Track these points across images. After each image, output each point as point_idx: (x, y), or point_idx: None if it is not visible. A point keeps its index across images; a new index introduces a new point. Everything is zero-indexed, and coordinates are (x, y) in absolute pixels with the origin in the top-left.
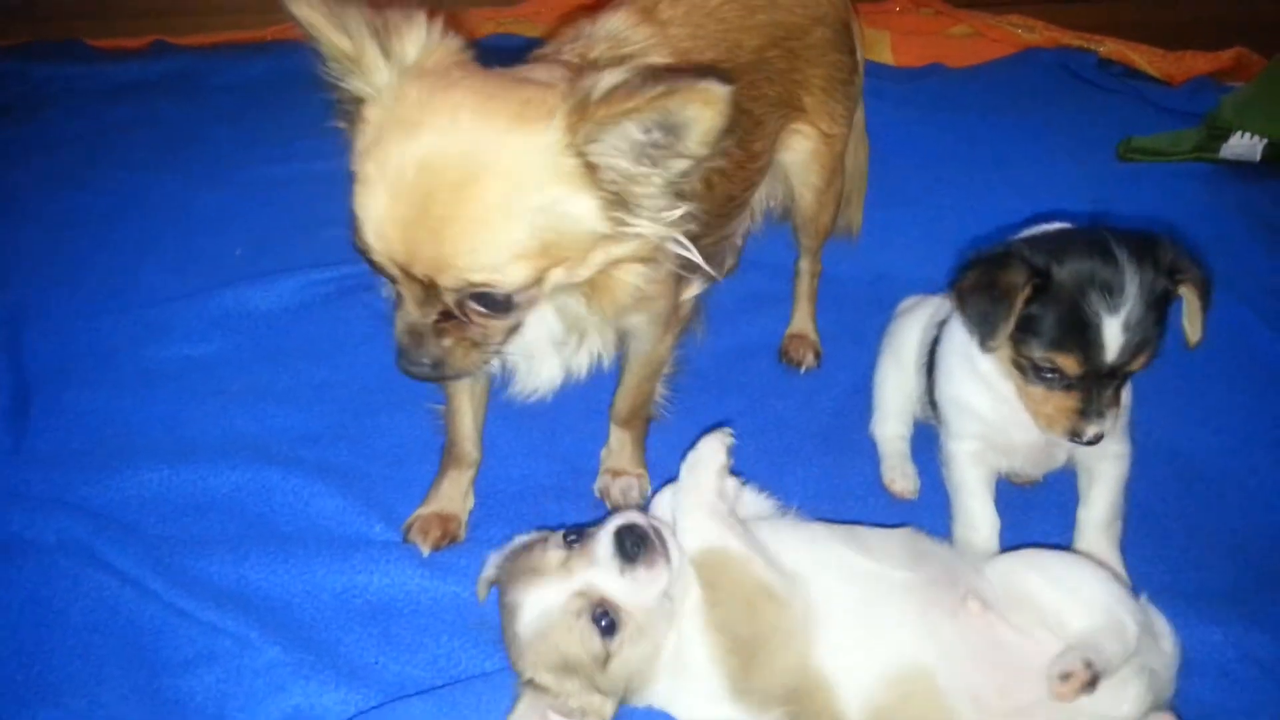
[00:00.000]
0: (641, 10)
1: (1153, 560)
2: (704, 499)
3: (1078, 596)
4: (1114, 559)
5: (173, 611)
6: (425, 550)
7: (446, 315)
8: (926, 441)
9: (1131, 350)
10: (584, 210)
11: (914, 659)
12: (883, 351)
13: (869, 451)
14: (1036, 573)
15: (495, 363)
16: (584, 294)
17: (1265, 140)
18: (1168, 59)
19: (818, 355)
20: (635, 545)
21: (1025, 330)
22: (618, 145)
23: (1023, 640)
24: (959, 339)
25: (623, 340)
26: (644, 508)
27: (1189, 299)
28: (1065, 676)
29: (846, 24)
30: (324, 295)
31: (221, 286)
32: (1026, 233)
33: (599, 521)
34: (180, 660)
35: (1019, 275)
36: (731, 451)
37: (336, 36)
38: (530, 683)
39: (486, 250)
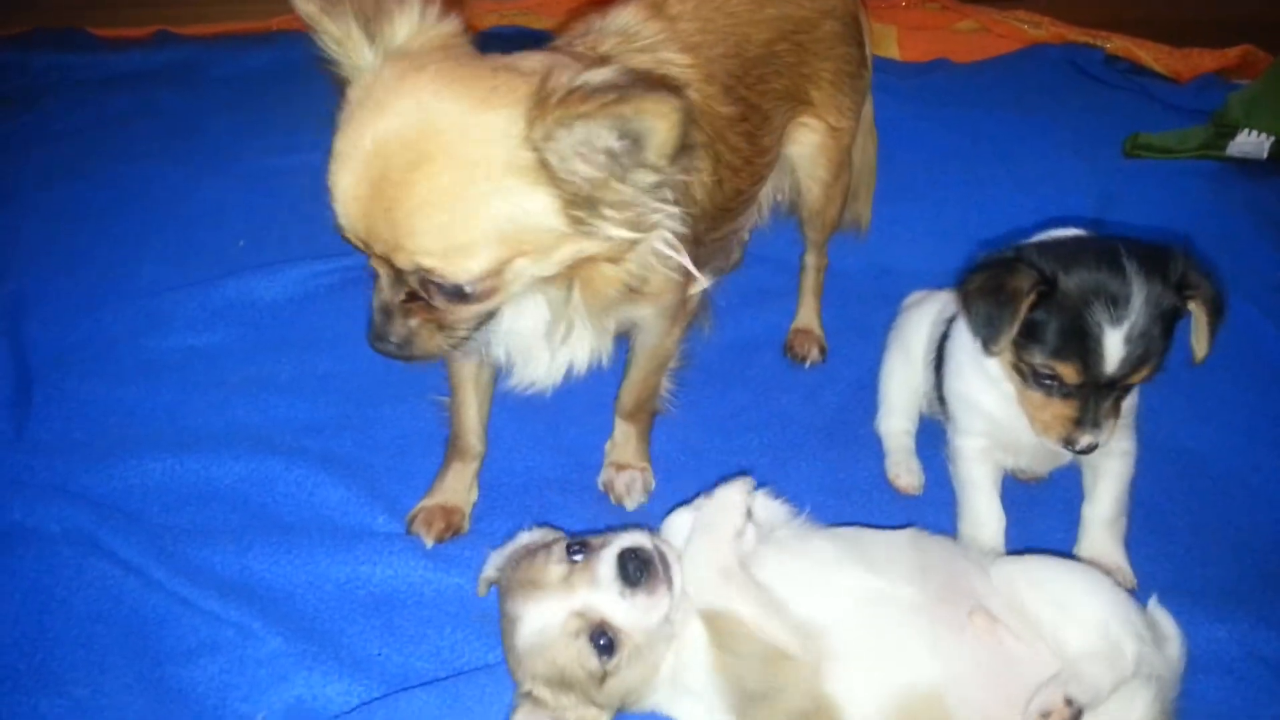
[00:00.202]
0: (651, 5)
1: (1157, 558)
2: (718, 558)
3: (1074, 617)
4: (1119, 556)
5: (175, 601)
6: (429, 542)
7: (414, 296)
8: (931, 437)
9: (1132, 363)
10: (539, 206)
11: (923, 680)
12: (889, 347)
13: (874, 447)
14: (1035, 590)
15: (480, 349)
16: (568, 287)
17: (1272, 138)
18: (1174, 56)
19: (823, 350)
20: (638, 570)
21: (1028, 336)
22: (576, 148)
23: (1030, 651)
24: (969, 337)
25: (629, 333)
26: (652, 527)
27: (1197, 315)
28: (1045, 715)
29: (855, 17)
30: (327, 286)
31: (224, 277)
32: (1038, 238)
33: (604, 533)
34: (183, 650)
35: (1025, 281)
36: (752, 498)
37: (329, 22)
38: (528, 695)
39: (434, 235)
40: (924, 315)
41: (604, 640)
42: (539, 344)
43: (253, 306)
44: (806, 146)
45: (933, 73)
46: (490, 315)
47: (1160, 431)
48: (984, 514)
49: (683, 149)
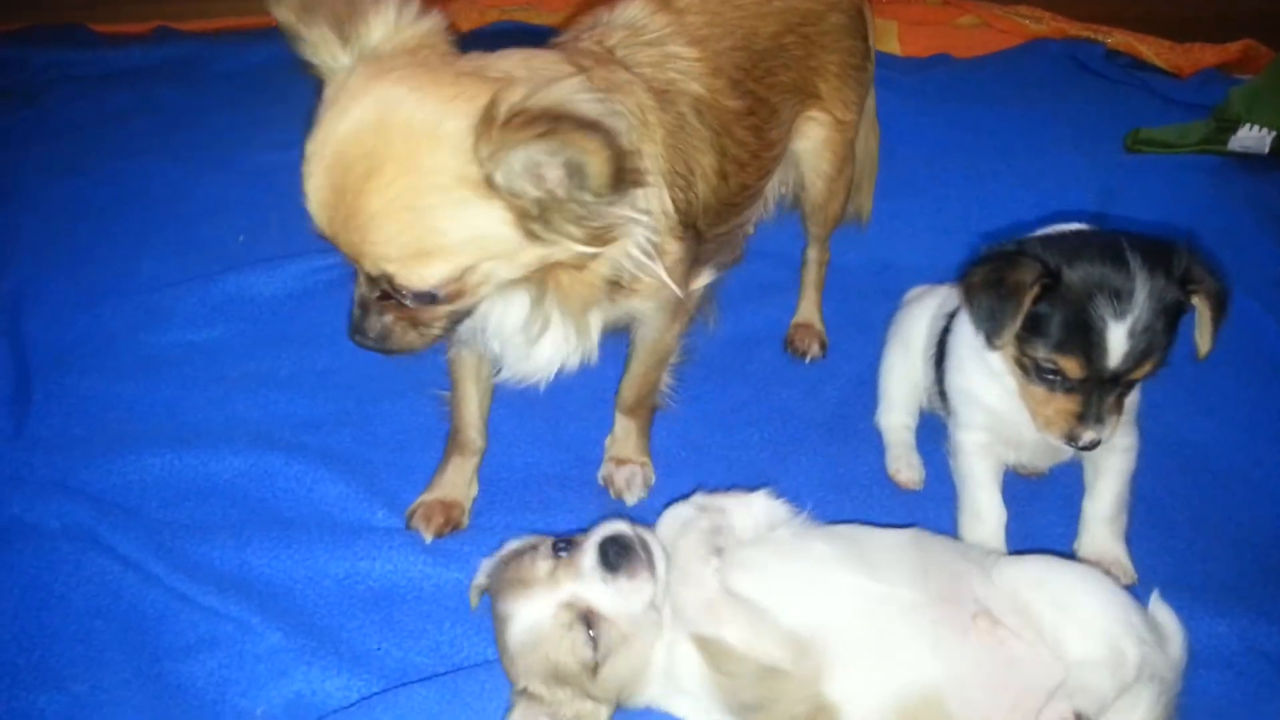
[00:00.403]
0: None
1: (1158, 553)
2: (698, 592)
3: (1078, 623)
4: (1119, 551)
5: (174, 596)
6: (428, 537)
7: (387, 294)
8: (932, 432)
9: (1135, 358)
10: (492, 218)
11: (924, 684)
12: (889, 341)
13: (874, 442)
14: (1037, 592)
15: (472, 342)
16: (544, 286)
17: (1274, 132)
18: (1176, 51)
19: (823, 345)
20: (618, 555)
21: (1031, 330)
22: (520, 169)
23: (1033, 653)
24: (971, 331)
25: (630, 328)
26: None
27: (1201, 310)
28: None
29: (860, 11)
30: (326, 281)
31: (223, 272)
32: (1042, 231)
33: (589, 530)
34: (182, 645)
35: (1028, 274)
36: (710, 516)
37: (306, 29)
38: (524, 692)
39: (391, 244)
40: (924, 310)
41: (592, 630)
42: (521, 339)
43: (252, 302)
44: (812, 140)
45: (933, 68)
46: (464, 314)
47: (1161, 426)
48: (985, 509)
49: (625, 181)
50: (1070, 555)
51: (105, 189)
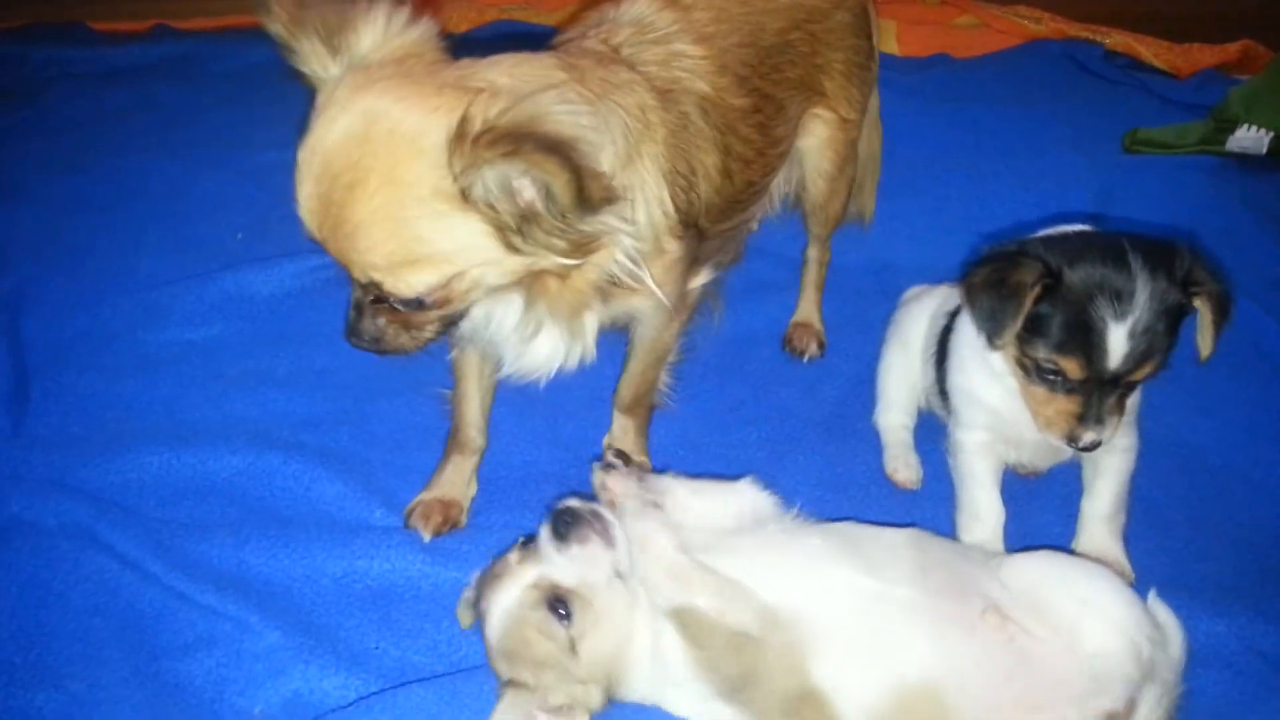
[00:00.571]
0: None
1: (1156, 553)
2: (660, 562)
3: (1099, 615)
4: (1117, 551)
5: (173, 595)
6: (426, 536)
7: (379, 298)
8: (930, 432)
9: (1136, 359)
10: (470, 230)
11: (920, 676)
12: (888, 341)
13: (872, 441)
14: (1058, 584)
15: (471, 341)
16: (532, 292)
17: (1272, 133)
18: (1174, 51)
19: (822, 345)
20: (566, 525)
21: (1032, 330)
22: (494, 185)
23: (1042, 648)
24: (973, 331)
25: (629, 327)
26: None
27: (1203, 313)
28: (1111, 716)
29: (864, 9)
30: (325, 280)
31: (222, 271)
32: (1044, 232)
33: None
34: (180, 644)
35: (1030, 274)
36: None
37: (298, 39)
38: (509, 683)
39: (375, 253)
40: (923, 310)
41: (563, 608)
42: (516, 339)
43: (251, 301)
44: (815, 138)
45: (932, 68)
46: (455, 318)
47: (1159, 426)
48: (984, 508)
49: (592, 201)
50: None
51: (104, 187)
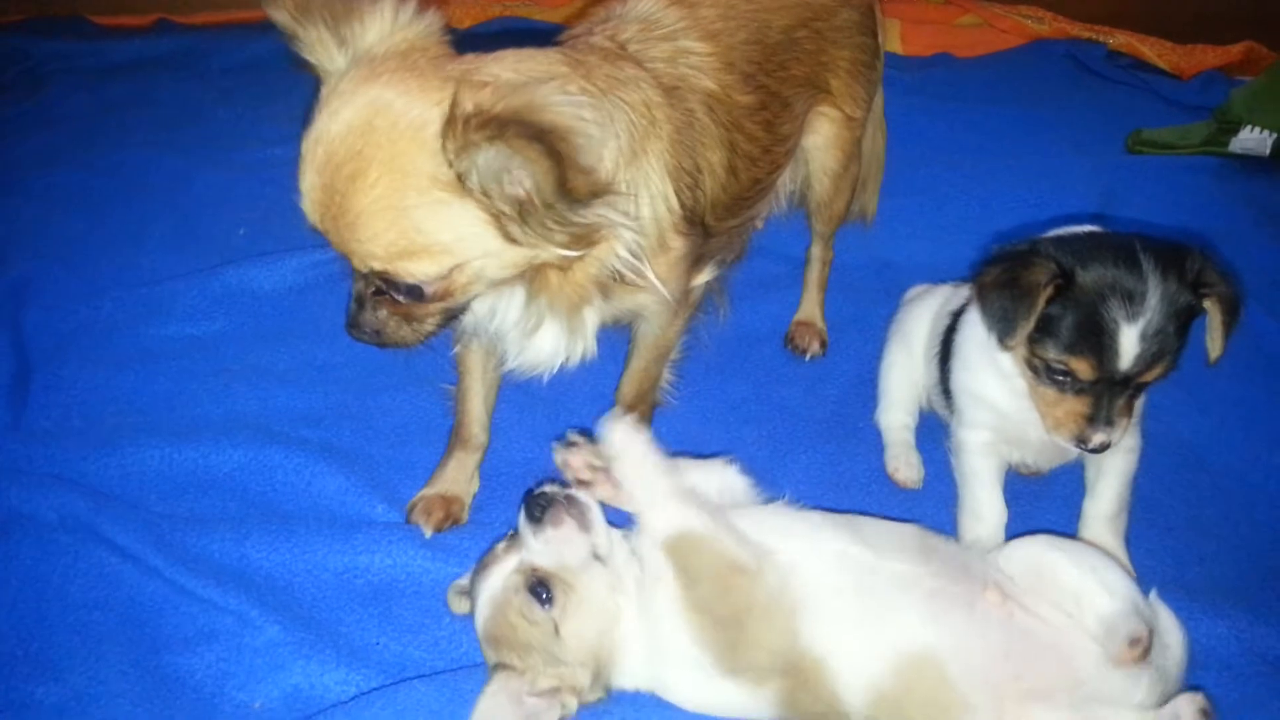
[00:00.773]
0: None
1: (1157, 554)
2: (657, 485)
3: (1101, 580)
4: (1119, 551)
5: (173, 589)
6: (428, 532)
7: (381, 290)
8: (931, 431)
9: (1147, 360)
10: (468, 220)
11: (920, 647)
12: (890, 340)
13: (873, 440)
14: (1060, 553)
15: (474, 335)
16: (534, 287)
17: (1275, 134)
18: (1177, 52)
19: (824, 343)
20: (540, 509)
21: (1042, 330)
22: (488, 171)
23: (1043, 627)
24: (979, 331)
25: (631, 323)
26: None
27: (1213, 314)
28: (1135, 640)
29: (870, 8)
30: (327, 275)
31: (224, 265)
32: (1055, 232)
33: None
34: (180, 638)
35: (1042, 274)
36: (639, 428)
37: (303, 30)
38: (498, 666)
39: (376, 243)
40: (926, 309)
41: (544, 591)
42: (517, 334)
43: (253, 296)
44: (820, 136)
45: (935, 67)
46: (457, 311)
47: (1160, 426)
48: (985, 507)
49: (575, 191)
50: None
51: (105, 181)
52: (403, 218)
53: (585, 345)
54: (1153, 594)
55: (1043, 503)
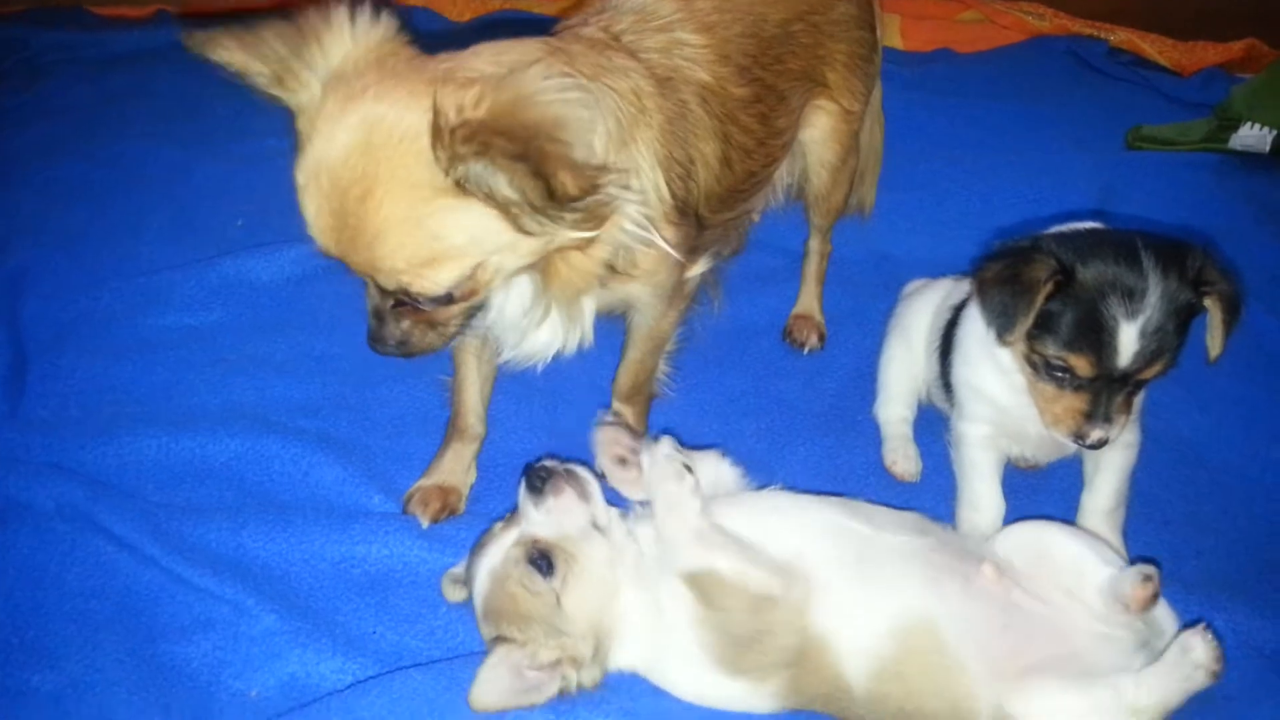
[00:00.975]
0: None
1: (1154, 548)
2: (687, 524)
3: (1099, 554)
4: (1117, 545)
5: (170, 578)
6: (425, 522)
7: (401, 301)
8: (929, 424)
9: (1146, 358)
10: (478, 219)
11: (917, 615)
12: (890, 333)
13: (871, 434)
14: (1055, 530)
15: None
16: (542, 276)
17: (1275, 131)
18: (1178, 49)
19: (822, 337)
20: (541, 480)
21: (1041, 327)
22: (480, 180)
23: (1040, 605)
24: (980, 325)
25: (626, 315)
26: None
27: (1213, 313)
28: (1147, 578)
29: (868, 1)
30: (325, 267)
31: (222, 256)
32: (1056, 229)
33: None
34: (177, 626)
35: (1042, 270)
36: (682, 452)
37: (259, 65)
38: (498, 638)
39: (398, 258)
40: (926, 303)
41: (544, 562)
42: (524, 323)
43: (250, 286)
44: (818, 130)
45: (935, 63)
46: (479, 308)
47: (1159, 422)
48: (984, 500)
49: (575, 195)
50: None
51: (104, 172)
52: (418, 229)
53: (583, 333)
54: None
55: (1040, 496)
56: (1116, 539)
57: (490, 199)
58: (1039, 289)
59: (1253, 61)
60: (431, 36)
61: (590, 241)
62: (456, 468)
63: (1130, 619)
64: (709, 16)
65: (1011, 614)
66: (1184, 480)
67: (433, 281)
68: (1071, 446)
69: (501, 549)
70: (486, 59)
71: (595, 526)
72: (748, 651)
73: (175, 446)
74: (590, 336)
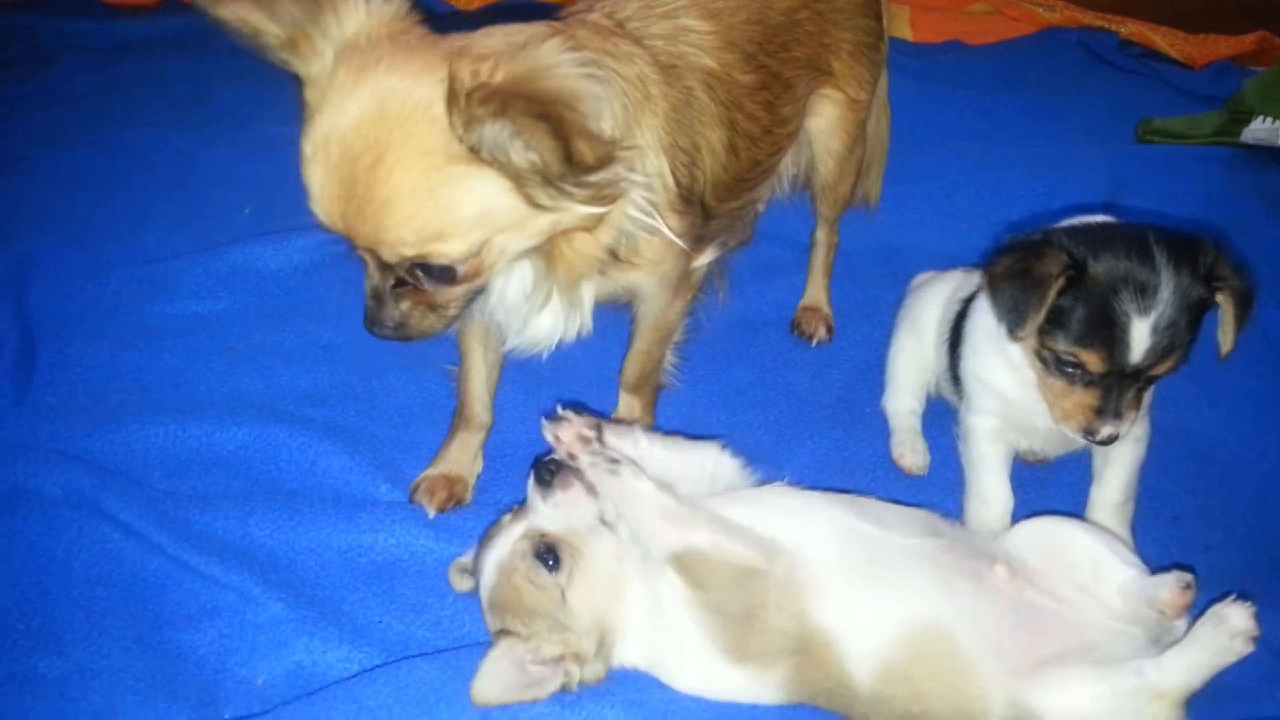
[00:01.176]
0: None
1: (1163, 542)
2: (650, 506)
3: (1116, 551)
4: (1126, 540)
5: (176, 565)
6: (431, 512)
7: (402, 281)
8: (937, 417)
9: (1158, 354)
10: (490, 189)
11: (928, 619)
12: (899, 326)
13: (879, 426)
14: (1069, 526)
15: (479, 316)
16: (544, 260)
17: None
18: (1190, 42)
19: (830, 329)
20: (549, 473)
21: (1052, 322)
22: (497, 140)
23: (1053, 602)
24: (989, 319)
25: (632, 305)
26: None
27: (1225, 308)
28: (1187, 586)
29: None
30: (333, 255)
31: (229, 244)
32: (1067, 222)
33: None
34: (183, 614)
35: (1054, 265)
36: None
37: (273, 27)
38: (502, 632)
39: (407, 228)
40: (936, 295)
41: (551, 557)
42: (526, 309)
43: (258, 275)
44: (824, 119)
45: (945, 54)
46: (479, 291)
47: (1168, 416)
48: (993, 494)
49: (592, 164)
50: None
51: (112, 160)
52: (429, 199)
53: (582, 321)
54: None
55: (1049, 490)
56: (1125, 533)
57: (504, 168)
58: (1051, 284)
59: (1264, 54)
60: (440, 20)
61: (596, 223)
62: (463, 457)
63: (1153, 619)
64: (714, 3)
65: (1024, 612)
66: (1193, 475)
67: (440, 254)
68: (1080, 441)
69: (509, 542)
70: (499, 38)
71: (603, 522)
72: (746, 631)
73: (182, 434)
74: (589, 324)
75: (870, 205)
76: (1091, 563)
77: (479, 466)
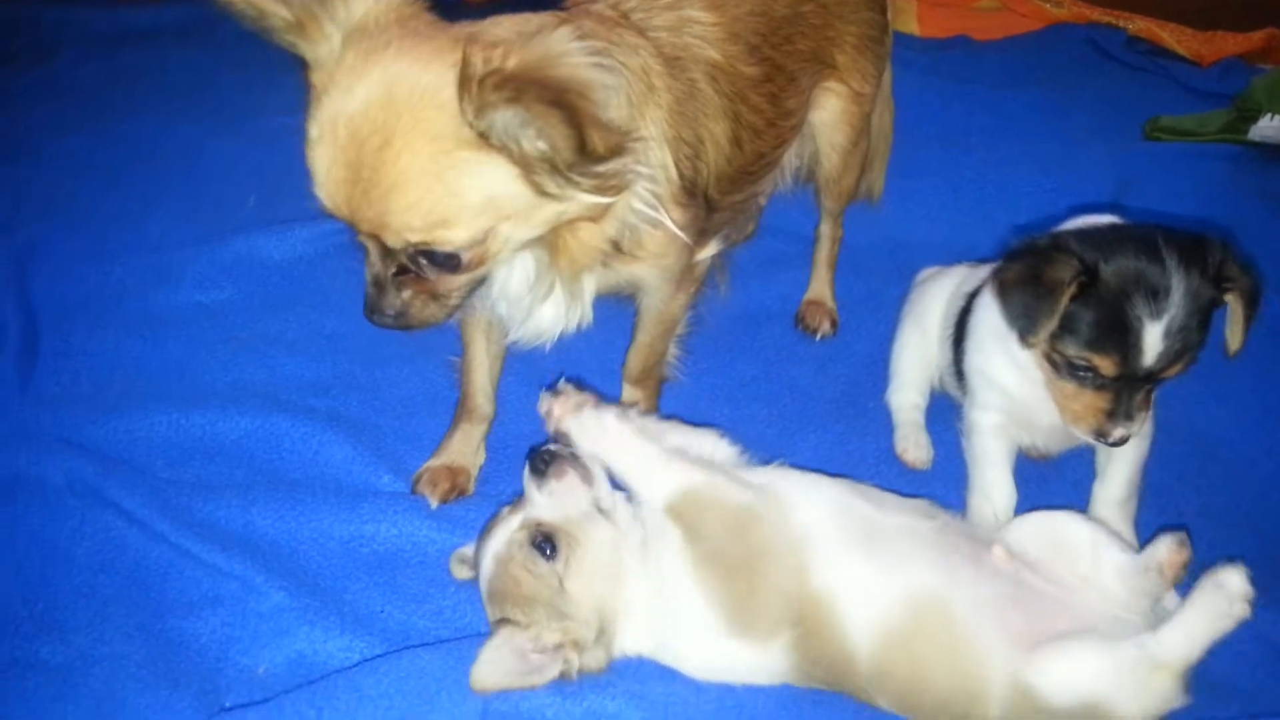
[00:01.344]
0: None
1: None
2: (637, 452)
3: (1113, 537)
4: (1128, 536)
5: (179, 554)
6: (434, 502)
7: (404, 269)
8: (941, 412)
9: (1170, 357)
10: (498, 175)
11: (927, 590)
12: (904, 320)
13: (883, 421)
14: (1068, 517)
15: (480, 308)
16: (552, 249)
17: None
18: (1197, 38)
19: (834, 323)
20: (545, 462)
21: (1063, 327)
22: (508, 126)
23: (1052, 586)
24: (993, 315)
25: (635, 297)
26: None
27: (1234, 308)
28: (1181, 543)
29: None
30: (337, 245)
31: (234, 234)
32: (1074, 224)
33: None
34: (185, 602)
35: (1066, 271)
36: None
37: (281, 8)
38: (501, 620)
39: (413, 213)
40: (941, 290)
41: (548, 546)
42: (528, 300)
43: (262, 264)
44: (828, 112)
45: (952, 49)
46: (481, 281)
47: (1172, 413)
48: (996, 488)
49: (603, 153)
50: None
51: (116, 149)
52: (437, 183)
53: (583, 312)
54: None
55: (1052, 486)
56: (1129, 530)
57: (513, 155)
58: (1063, 290)
59: (1273, 52)
60: (447, 8)
61: (600, 214)
62: (465, 448)
63: (1152, 590)
64: None
65: (1023, 591)
66: (1197, 472)
67: (445, 239)
68: (1083, 437)
69: (506, 532)
70: (508, 26)
71: (599, 510)
72: (748, 589)
73: (185, 423)
74: (589, 315)
75: (873, 199)
76: (1091, 552)
77: (481, 457)
